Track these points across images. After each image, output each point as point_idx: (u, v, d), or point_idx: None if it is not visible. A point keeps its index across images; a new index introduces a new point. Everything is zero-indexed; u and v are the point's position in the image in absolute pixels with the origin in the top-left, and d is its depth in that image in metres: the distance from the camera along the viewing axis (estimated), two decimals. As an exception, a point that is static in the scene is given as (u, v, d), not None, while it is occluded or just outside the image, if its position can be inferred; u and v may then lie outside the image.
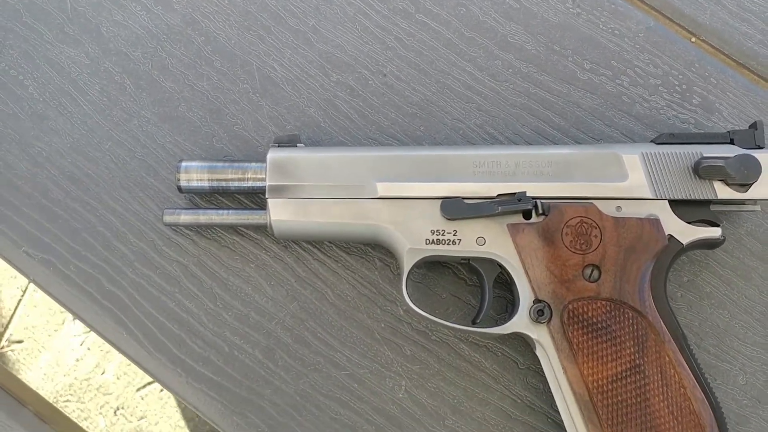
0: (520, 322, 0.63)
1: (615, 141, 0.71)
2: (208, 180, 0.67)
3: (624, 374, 0.60)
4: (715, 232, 0.63)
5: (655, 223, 0.62)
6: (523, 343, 0.67)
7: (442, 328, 0.68)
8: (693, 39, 0.74)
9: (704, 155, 0.63)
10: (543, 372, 0.63)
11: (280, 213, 0.65)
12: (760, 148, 0.64)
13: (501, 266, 0.64)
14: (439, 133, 0.72)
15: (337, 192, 0.65)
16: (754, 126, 0.65)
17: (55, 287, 0.69)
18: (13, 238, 0.70)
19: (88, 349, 1.88)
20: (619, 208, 0.63)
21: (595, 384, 0.60)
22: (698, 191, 0.63)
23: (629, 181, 0.63)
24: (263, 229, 0.68)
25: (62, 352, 1.88)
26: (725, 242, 0.67)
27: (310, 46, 0.73)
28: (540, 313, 0.61)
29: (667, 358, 0.60)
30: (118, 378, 1.86)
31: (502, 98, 0.72)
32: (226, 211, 0.67)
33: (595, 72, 0.73)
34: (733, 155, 0.62)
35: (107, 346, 1.85)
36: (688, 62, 0.73)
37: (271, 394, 0.67)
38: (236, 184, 0.67)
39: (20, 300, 1.93)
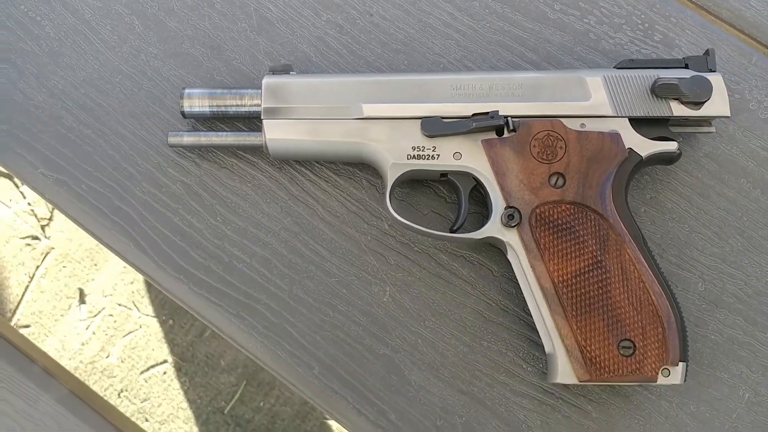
0: (493, 227, 0.69)
1: (582, 71, 0.77)
2: (209, 105, 0.74)
3: (587, 269, 0.66)
4: (671, 146, 0.69)
5: (615, 137, 0.68)
6: (497, 252, 0.73)
7: (424, 239, 0.74)
8: (655, -17, 0.81)
9: (660, 77, 0.69)
10: (515, 278, 0.69)
11: (274, 133, 0.71)
12: (712, 71, 0.70)
13: (476, 179, 0.70)
14: (421, 67, 0.78)
15: (326, 113, 0.71)
16: (707, 53, 0.71)
17: (68, 205, 0.75)
18: (30, 160, 0.76)
19: (94, 333, 1.93)
20: (583, 125, 0.69)
21: (560, 279, 0.66)
22: (656, 109, 0.69)
23: (592, 100, 0.69)
24: (259, 150, 0.74)
25: (68, 336, 1.93)
26: (686, 164, 0.74)
27: (303, -11, 0.80)
28: (510, 218, 0.67)
29: (627, 256, 0.66)
30: (122, 361, 1.92)
31: (479, 35, 0.79)
32: (225, 133, 0.74)
33: (564, 12, 0.79)
34: (687, 77, 0.68)
35: (112, 330, 1.92)
36: (650, 4, 0.79)
37: (266, 299, 0.73)
38: (234, 108, 0.73)
39: (27, 286, 1.98)
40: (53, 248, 2.00)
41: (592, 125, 0.69)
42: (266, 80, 0.72)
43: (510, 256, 0.69)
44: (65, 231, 2.02)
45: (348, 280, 0.73)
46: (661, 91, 0.68)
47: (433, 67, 0.78)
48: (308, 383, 0.71)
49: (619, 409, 0.70)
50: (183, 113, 0.74)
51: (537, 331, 0.68)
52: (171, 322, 1.94)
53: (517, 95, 0.70)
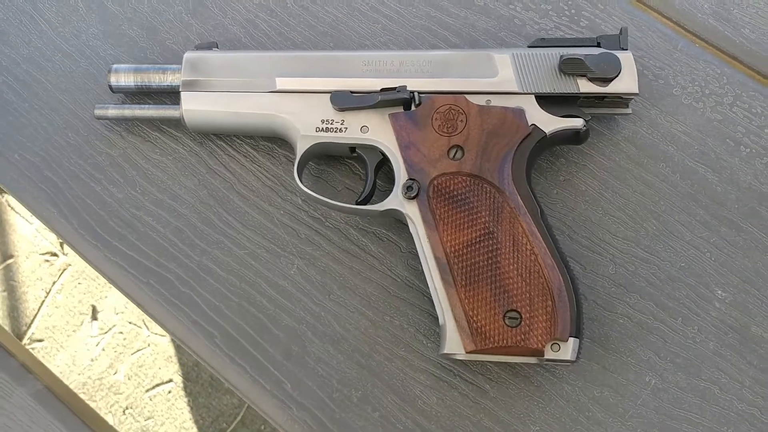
0: (395, 200, 0.69)
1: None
2: (134, 80, 0.77)
3: (478, 240, 0.66)
4: (576, 122, 0.69)
5: (519, 112, 0.68)
6: (406, 229, 0.73)
7: (336, 215, 0.75)
8: (585, -28, 0.81)
9: (566, 53, 0.69)
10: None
11: (191, 104, 0.74)
12: (624, 50, 0.70)
13: (382, 153, 0.71)
14: (348, 49, 0.80)
15: (242, 86, 0.73)
16: (620, 32, 0.71)
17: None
18: (-33, 130, 0.80)
19: (103, 350, 1.98)
20: (489, 101, 0.69)
21: (451, 249, 0.66)
22: (562, 86, 0.69)
23: (499, 77, 0.70)
24: (179, 122, 0.77)
25: (79, 352, 1.97)
26: (603, 147, 0.73)
27: (237, -25, 0.83)
28: (409, 189, 0.68)
29: (521, 228, 0.66)
30: (129, 378, 1.95)
31: (405, 20, 0.80)
32: (147, 106, 0.77)
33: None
34: (594, 53, 0.69)
35: (121, 347, 1.95)
36: (578, -10, 0.80)
37: (176, 268, 0.74)
38: (157, 82, 0.76)
39: (44, 301, 2.04)
40: (70, 265, 2.06)
41: (497, 101, 0.69)
42: (187, 55, 0.75)
43: (411, 229, 0.69)
44: (82, 249, 2.08)
45: (257, 252, 0.74)
46: (566, 67, 0.68)
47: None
48: (208, 351, 0.72)
49: (519, 390, 0.69)
50: (111, 87, 0.77)
51: (437, 307, 0.67)
52: (178, 342, 1.97)
53: (426, 72, 0.71)
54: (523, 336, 0.63)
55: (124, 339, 1.96)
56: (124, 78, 0.76)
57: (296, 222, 0.75)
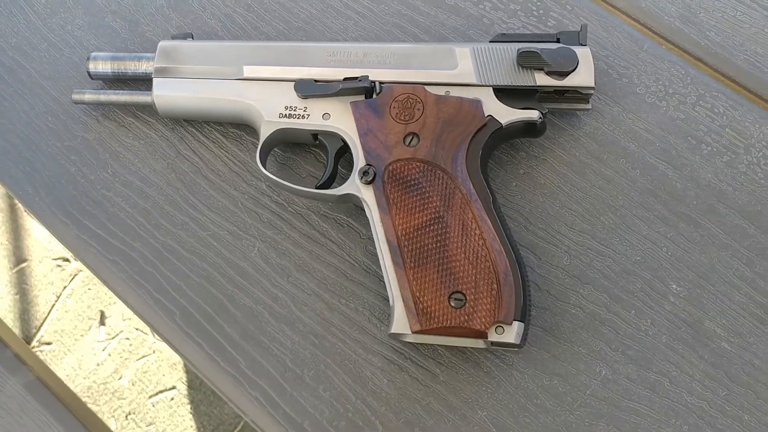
0: (352, 185, 0.71)
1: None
2: (111, 67, 0.80)
3: (427, 224, 0.67)
4: (533, 114, 0.70)
5: (475, 103, 0.70)
6: (366, 217, 0.74)
7: (299, 201, 0.76)
8: (555, -25, 0.83)
9: (522, 47, 0.71)
10: (375, 240, 0.70)
11: (162, 89, 0.77)
12: (582, 45, 0.72)
13: (343, 140, 0.73)
14: (314, 41, 0.82)
15: (210, 73, 0.76)
16: (581, 28, 0.72)
17: (-23, 153, 0.82)
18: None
19: (109, 355, 2.00)
20: (448, 92, 0.71)
21: (402, 232, 0.67)
22: (519, 79, 0.71)
23: (458, 69, 0.72)
24: (152, 109, 0.79)
25: (85, 356, 2.00)
26: (564, 142, 0.74)
27: (218, -28, 0.87)
28: (366, 173, 0.69)
29: (471, 214, 0.67)
30: (133, 384, 1.97)
31: (376, 17, 0.83)
32: (121, 91, 0.79)
33: (461, -1, 0.82)
34: (552, 47, 0.70)
35: (127, 353, 1.98)
36: (546, -8, 0.82)
37: (140, 247, 0.76)
38: (132, 69, 0.79)
39: (54, 305, 2.08)
40: (81, 270, 2.10)
41: (456, 93, 0.71)
42: (161, 44, 0.78)
43: (366, 213, 0.70)
44: (93, 254, 2.12)
45: (220, 234, 0.76)
46: (523, 60, 0.70)
47: (330, 44, 0.81)
48: (167, 327, 0.73)
49: (468, 375, 0.69)
50: (89, 74, 0.80)
51: (393, 292, 0.68)
52: (183, 349, 1.99)
53: (389, 63, 0.73)
54: (466, 317, 0.64)
55: (130, 345, 1.99)
56: (102, 65, 0.80)
57: (259, 207, 0.77)
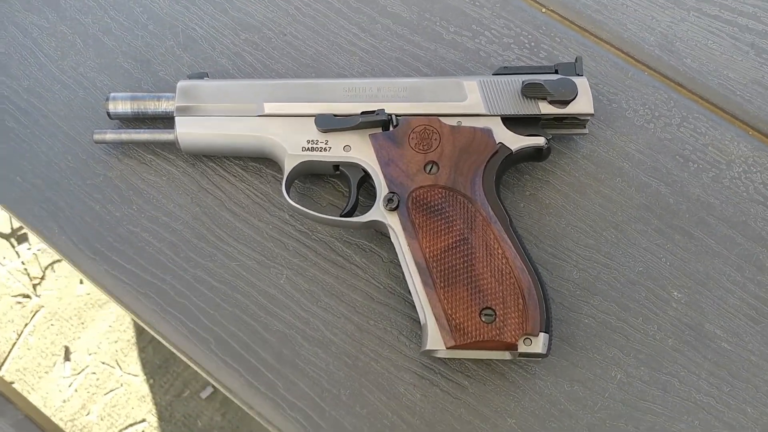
0: (377, 212, 0.75)
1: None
2: (131, 107, 0.82)
3: (453, 245, 0.72)
4: (539, 140, 0.76)
5: (487, 131, 0.76)
6: (386, 240, 0.79)
7: (321, 229, 0.80)
8: (543, 10, 0.90)
9: (527, 79, 0.77)
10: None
11: (184, 128, 0.80)
12: (579, 75, 0.78)
13: (364, 170, 0.77)
14: (329, 77, 0.86)
15: (232, 111, 0.80)
16: (576, 60, 0.79)
17: (2, 194, 0.83)
18: (-30, 156, 0.85)
19: (76, 390, 1.97)
20: (459, 122, 0.76)
21: (430, 254, 0.72)
22: (525, 108, 0.77)
23: (468, 101, 0.77)
24: (174, 147, 0.82)
25: (50, 393, 1.97)
26: (565, 164, 0.80)
27: (225, 14, 0.90)
28: (390, 201, 0.74)
29: (492, 235, 0.72)
30: (101, 419, 1.95)
31: (380, 53, 0.88)
32: (143, 130, 0.82)
33: (458, 34, 0.88)
34: (553, 79, 0.76)
35: (94, 388, 1.96)
36: (537, 26, 0.88)
37: (171, 279, 0.79)
38: (152, 109, 0.82)
39: (15, 343, 2.04)
40: (43, 306, 2.07)
41: (467, 122, 0.76)
42: (180, 83, 0.81)
43: (392, 238, 0.75)
44: (55, 290, 2.10)
45: (248, 264, 0.79)
46: (528, 91, 0.76)
47: (339, 79, 0.86)
48: (204, 356, 0.76)
49: (496, 386, 0.74)
50: (108, 114, 0.83)
51: (418, 310, 0.73)
52: (152, 381, 1.99)
53: (402, 96, 0.78)
54: (498, 331, 0.69)
55: (97, 379, 1.97)
56: (122, 105, 0.82)
57: (284, 236, 0.80)
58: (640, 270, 0.78)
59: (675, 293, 0.77)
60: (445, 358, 0.75)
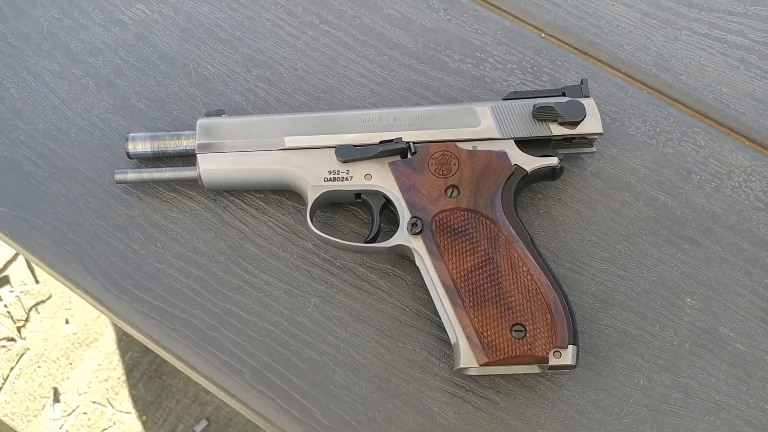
0: (401, 236, 0.78)
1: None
2: (151, 146, 0.84)
3: (480, 265, 0.74)
4: (552, 161, 0.79)
5: (502, 155, 0.79)
6: (409, 264, 0.81)
7: (345, 256, 0.82)
8: (543, 35, 0.94)
9: (538, 102, 0.80)
10: (426, 285, 0.77)
11: (207, 164, 0.82)
12: (586, 97, 0.82)
13: (385, 197, 0.80)
14: (346, 109, 0.89)
15: (253, 146, 0.82)
16: (582, 82, 0.83)
17: (25, 238, 0.84)
18: (-9, 201, 0.86)
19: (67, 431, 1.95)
20: (475, 146, 0.79)
21: (458, 275, 0.75)
22: (537, 130, 0.80)
23: (481, 126, 0.80)
24: (195, 184, 0.84)
25: (39, 438, 1.95)
26: (575, 182, 0.84)
27: (235, 51, 0.93)
28: (414, 225, 0.77)
29: (516, 253, 0.75)
30: (92, 459, 1.93)
31: (389, 83, 0.91)
32: (164, 169, 0.84)
33: (462, 62, 0.92)
34: (562, 101, 0.80)
35: (86, 428, 1.94)
36: (538, 50, 0.92)
37: (201, 314, 0.80)
38: (172, 147, 0.84)
39: (1, 387, 2.01)
40: (28, 349, 2.05)
41: (482, 146, 0.79)
42: (200, 121, 0.83)
43: (417, 262, 0.77)
44: (40, 331, 2.08)
45: (276, 294, 0.81)
46: (539, 114, 0.79)
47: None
48: (239, 388, 0.77)
49: (525, 399, 0.77)
50: (128, 154, 0.84)
51: (446, 330, 0.75)
52: (144, 417, 1.98)
53: (418, 125, 0.81)
54: (529, 346, 0.72)
55: (89, 419, 1.95)
56: (141, 145, 0.84)
57: (309, 264, 0.82)
58: (654, 279, 0.81)
59: (688, 300, 0.80)
60: (475, 376, 0.77)
